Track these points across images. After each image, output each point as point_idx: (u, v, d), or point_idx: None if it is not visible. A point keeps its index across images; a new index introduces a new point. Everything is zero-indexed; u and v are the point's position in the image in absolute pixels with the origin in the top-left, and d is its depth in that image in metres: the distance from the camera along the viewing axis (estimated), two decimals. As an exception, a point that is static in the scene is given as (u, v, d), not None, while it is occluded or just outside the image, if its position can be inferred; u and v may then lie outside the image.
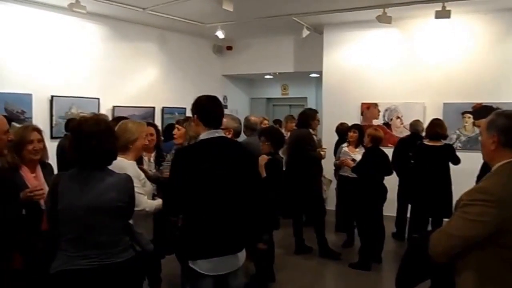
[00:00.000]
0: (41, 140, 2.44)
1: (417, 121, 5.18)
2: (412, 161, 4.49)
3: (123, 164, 2.26)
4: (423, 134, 4.81)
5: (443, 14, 5.09)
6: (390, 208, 4.94)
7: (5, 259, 1.94)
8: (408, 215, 4.90)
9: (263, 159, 3.36)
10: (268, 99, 9.81)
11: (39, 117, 5.20)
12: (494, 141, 1.53)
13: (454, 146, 5.10)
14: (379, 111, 6.41)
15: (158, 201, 2.40)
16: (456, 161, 4.36)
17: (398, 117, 6.29)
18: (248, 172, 2.20)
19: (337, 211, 5.29)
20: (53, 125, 5.50)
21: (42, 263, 1.86)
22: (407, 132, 5.42)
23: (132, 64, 6.54)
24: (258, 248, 3.30)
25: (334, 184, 5.37)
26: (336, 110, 6.45)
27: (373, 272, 4.14)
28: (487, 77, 5.68)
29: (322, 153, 4.72)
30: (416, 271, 1.70)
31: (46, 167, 2.52)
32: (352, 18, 6.12)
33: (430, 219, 4.37)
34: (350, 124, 5.09)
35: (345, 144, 4.85)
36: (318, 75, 7.79)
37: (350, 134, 4.70)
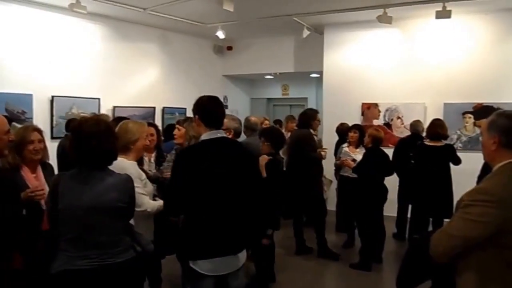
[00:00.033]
0: (42, 140, 2.45)
1: (418, 121, 5.18)
2: (413, 161, 4.49)
3: (124, 164, 2.26)
4: (424, 134, 4.81)
5: (443, 14, 5.09)
6: (390, 209, 4.94)
7: (5, 259, 1.94)
8: (409, 215, 4.89)
9: (263, 159, 3.36)
10: (268, 99, 9.82)
11: (40, 117, 5.20)
12: (495, 141, 1.53)
13: (455, 146, 5.09)
14: (379, 111, 6.41)
15: (159, 202, 2.41)
16: (457, 161, 4.35)
17: (398, 117, 6.29)
18: (248, 171, 2.20)
19: (337, 211, 5.29)
20: (54, 125, 5.50)
21: (42, 263, 1.86)
22: (407, 132, 5.42)
23: (132, 64, 6.54)
24: (262, 243, 3.30)
25: (334, 185, 5.37)
26: (337, 110, 6.44)
27: (373, 273, 4.14)
28: (488, 77, 5.68)
29: (322, 153, 4.71)
30: (416, 271, 1.70)
31: (47, 167, 2.53)
32: (352, 18, 6.12)
33: (430, 219, 4.37)
34: (350, 124, 5.08)
35: (345, 144, 4.84)
36: (318, 75, 7.79)
37: (351, 134, 4.70)
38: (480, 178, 3.36)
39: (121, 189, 1.87)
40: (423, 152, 4.34)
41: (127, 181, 1.92)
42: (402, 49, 6.21)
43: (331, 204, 5.36)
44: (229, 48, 8.13)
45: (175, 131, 3.46)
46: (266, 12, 5.82)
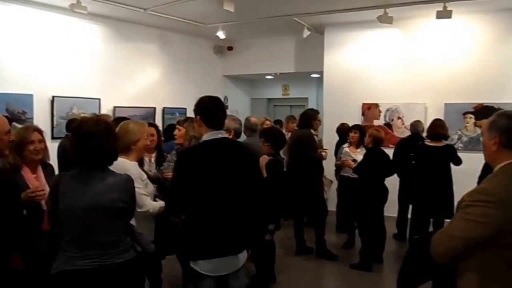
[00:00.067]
0: (42, 141, 2.45)
1: (418, 121, 5.18)
2: (413, 162, 4.49)
3: (126, 165, 2.26)
4: (424, 134, 4.81)
5: (444, 14, 5.08)
6: (391, 209, 4.93)
7: (5, 259, 1.94)
8: (409, 216, 4.89)
9: (263, 159, 3.36)
10: (269, 99, 9.81)
11: (40, 118, 5.21)
12: (496, 142, 1.52)
13: (456, 146, 5.09)
14: (380, 112, 6.40)
15: (161, 203, 2.41)
16: (458, 161, 4.35)
17: (399, 118, 6.28)
18: (248, 171, 2.20)
19: (338, 211, 5.29)
20: (54, 125, 5.50)
21: (42, 263, 1.86)
22: (408, 133, 5.41)
23: (133, 64, 6.54)
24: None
25: (335, 185, 5.36)
26: (337, 110, 6.44)
27: (374, 273, 4.13)
28: (489, 77, 5.67)
29: (323, 154, 4.72)
30: (417, 272, 1.70)
31: (47, 168, 2.53)
32: (353, 18, 6.12)
33: (431, 220, 4.37)
34: (351, 124, 5.08)
35: (346, 145, 4.84)
36: (319, 76, 7.79)
37: (351, 134, 4.70)
38: (480, 178, 3.36)
39: (121, 189, 1.87)
40: (424, 153, 4.34)
41: (128, 181, 1.92)
42: (402, 49, 6.21)
43: (332, 204, 5.36)
44: (230, 48, 8.13)
45: (176, 131, 3.46)
46: (266, 12, 5.82)
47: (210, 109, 2.15)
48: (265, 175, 3.15)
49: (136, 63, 6.60)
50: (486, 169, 3.15)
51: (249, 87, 9.55)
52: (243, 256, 2.17)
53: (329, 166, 5.18)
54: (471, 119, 5.81)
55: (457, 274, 1.55)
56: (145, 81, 6.80)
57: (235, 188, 2.11)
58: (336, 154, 5.12)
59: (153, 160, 3.39)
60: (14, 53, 5.13)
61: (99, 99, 5.95)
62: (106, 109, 5.98)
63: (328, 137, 6.12)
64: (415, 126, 5.09)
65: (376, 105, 6.42)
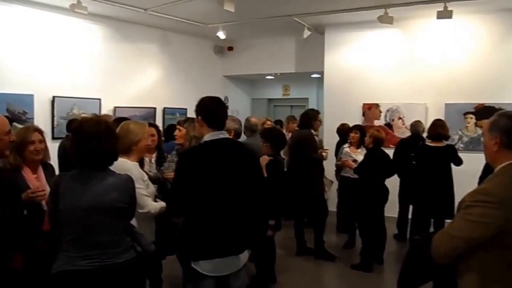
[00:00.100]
0: (43, 141, 2.45)
1: (418, 121, 5.17)
2: (414, 162, 4.48)
3: (127, 165, 2.26)
4: (424, 134, 4.80)
5: (445, 14, 5.08)
6: (391, 209, 4.93)
7: (5, 259, 1.94)
8: (410, 216, 4.88)
9: (264, 159, 3.36)
10: (269, 99, 9.81)
11: (41, 118, 5.21)
12: (497, 142, 1.52)
13: (456, 147, 5.08)
14: (380, 112, 6.40)
15: (162, 203, 2.41)
16: (458, 162, 4.34)
17: (399, 118, 6.28)
18: (249, 171, 2.20)
19: (338, 212, 5.29)
20: (55, 125, 5.51)
21: (42, 263, 1.86)
22: (408, 133, 5.40)
23: (133, 64, 6.55)
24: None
25: (335, 185, 5.36)
26: (338, 110, 6.44)
27: (374, 274, 4.13)
28: (489, 77, 5.67)
29: (323, 154, 4.71)
30: (418, 272, 1.69)
31: (48, 168, 2.53)
32: (353, 18, 6.12)
33: (432, 220, 4.36)
34: (351, 124, 5.08)
35: (346, 145, 4.84)
36: (319, 76, 7.79)
37: (352, 134, 4.70)
38: (481, 179, 3.36)
39: (121, 189, 1.87)
40: (424, 153, 4.34)
41: (128, 181, 1.92)
42: (403, 49, 6.20)
43: (332, 204, 5.35)
44: (230, 48, 8.13)
45: (176, 132, 3.46)
46: (266, 13, 5.82)
47: (212, 110, 2.15)
48: (265, 175, 3.15)
49: (136, 63, 6.60)
50: (487, 170, 3.14)
51: (250, 87, 9.55)
52: (244, 256, 2.17)
53: (329, 167, 5.17)
54: (471, 119, 5.80)
55: (457, 274, 1.55)
56: (146, 82, 6.81)
57: (236, 189, 2.11)
58: (336, 154, 5.12)
59: (153, 160, 3.39)
60: (15, 53, 5.14)
61: (99, 99, 5.96)
62: (106, 109, 5.98)
63: (329, 138, 6.12)
64: (415, 126, 5.09)
65: (377, 105, 6.41)
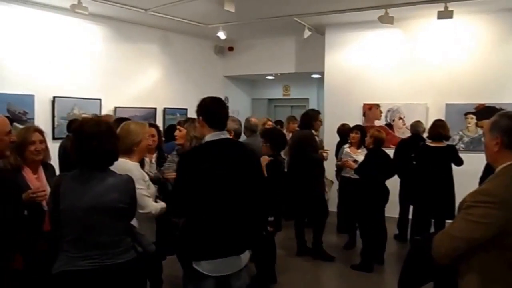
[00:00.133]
0: (43, 141, 2.45)
1: (418, 121, 5.17)
2: (415, 162, 4.48)
3: (128, 166, 2.26)
4: (424, 135, 4.80)
5: (445, 14, 5.07)
6: (392, 210, 4.92)
7: (5, 259, 1.95)
8: (410, 216, 4.88)
9: (264, 160, 3.35)
10: (269, 100, 9.81)
11: (41, 118, 5.22)
12: (497, 142, 1.52)
13: (457, 147, 5.08)
14: (381, 112, 6.40)
15: (162, 204, 2.41)
16: (459, 162, 4.34)
17: (400, 118, 6.27)
18: (250, 172, 2.20)
19: (338, 212, 5.28)
20: (55, 126, 5.51)
21: (43, 263, 1.86)
22: (409, 133, 5.40)
23: (133, 65, 6.55)
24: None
25: (336, 186, 5.36)
26: (338, 111, 6.43)
27: (375, 274, 4.12)
28: (490, 77, 5.66)
29: (324, 154, 4.71)
30: (418, 273, 1.69)
31: (48, 168, 2.53)
32: (354, 18, 6.11)
33: (432, 220, 4.36)
34: (352, 125, 5.07)
35: (346, 145, 4.84)
36: (319, 76, 7.78)
37: (352, 135, 4.69)
38: (482, 179, 3.35)
39: (122, 189, 1.87)
40: (425, 153, 4.33)
41: (128, 182, 1.92)
42: (403, 49, 6.20)
43: (333, 205, 5.35)
44: (230, 48, 8.13)
45: (176, 132, 3.47)
46: (267, 13, 5.82)
47: (213, 110, 2.16)
48: (265, 175, 3.15)
49: (137, 63, 6.61)
50: (488, 170, 3.13)
51: (250, 87, 9.55)
52: (245, 256, 2.17)
53: (330, 167, 5.17)
54: (472, 119, 5.80)
55: (458, 275, 1.55)
56: (146, 82, 6.81)
57: (237, 189, 2.11)
58: (337, 154, 5.11)
59: (153, 160, 3.39)
60: (15, 53, 5.14)
61: (100, 99, 5.96)
62: (107, 109, 5.98)
63: (329, 138, 6.11)
64: (415, 126, 5.08)
65: (377, 106, 6.41)
